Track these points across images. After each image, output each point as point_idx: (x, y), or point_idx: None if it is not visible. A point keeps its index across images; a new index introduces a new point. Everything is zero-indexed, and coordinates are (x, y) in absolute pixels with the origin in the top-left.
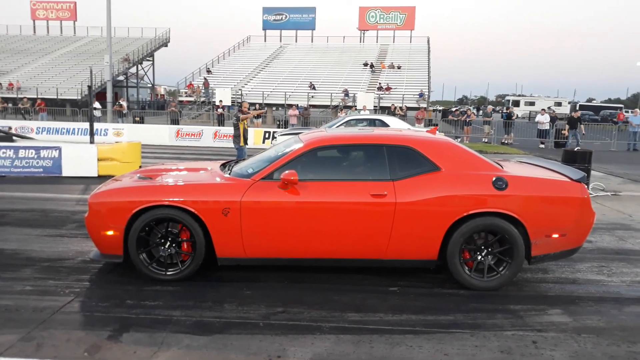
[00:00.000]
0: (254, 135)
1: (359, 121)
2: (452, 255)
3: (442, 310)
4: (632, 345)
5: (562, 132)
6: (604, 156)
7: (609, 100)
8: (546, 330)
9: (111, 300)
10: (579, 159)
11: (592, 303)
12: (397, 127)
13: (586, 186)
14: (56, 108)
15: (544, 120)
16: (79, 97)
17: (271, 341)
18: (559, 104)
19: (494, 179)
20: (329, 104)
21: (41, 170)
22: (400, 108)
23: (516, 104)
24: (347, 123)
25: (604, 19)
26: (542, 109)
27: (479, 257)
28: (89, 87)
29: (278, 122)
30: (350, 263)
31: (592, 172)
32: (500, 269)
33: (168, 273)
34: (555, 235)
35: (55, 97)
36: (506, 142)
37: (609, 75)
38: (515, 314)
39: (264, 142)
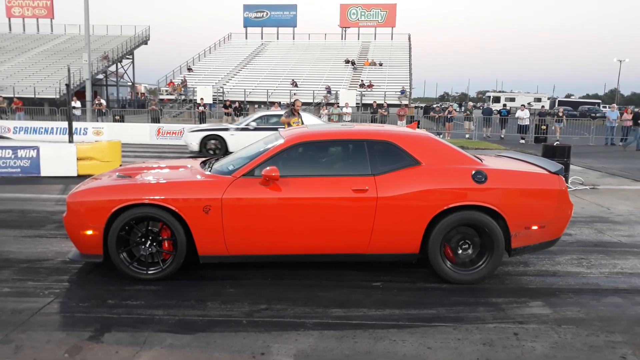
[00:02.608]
0: None
1: (269, 117)
2: (433, 249)
3: (424, 304)
4: (610, 335)
5: (542, 127)
6: (583, 151)
7: (587, 96)
8: (527, 322)
9: (92, 300)
10: (558, 154)
11: (572, 295)
12: (311, 123)
13: (564, 178)
14: (34, 107)
15: (524, 115)
16: (57, 96)
17: (255, 338)
18: (538, 100)
19: (473, 172)
20: (311, 101)
21: (19, 170)
22: (380, 105)
23: (496, 100)
24: (260, 119)
25: (583, 16)
26: (522, 105)
27: (460, 251)
28: (67, 86)
29: None
30: (333, 258)
31: (571, 167)
32: (481, 262)
33: (149, 272)
34: (535, 227)
35: (33, 96)
36: (502, 136)
37: (587, 71)
38: (496, 307)
39: None
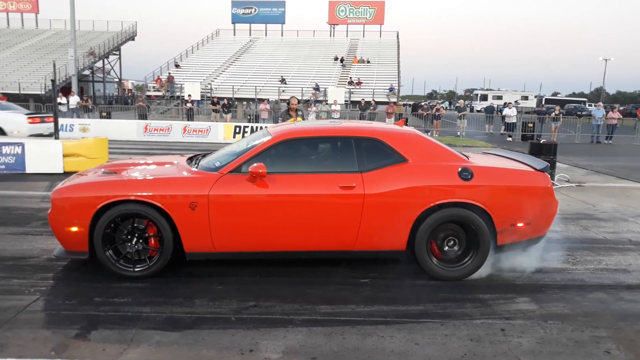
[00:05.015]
0: (224, 130)
1: None
2: (420, 246)
3: (412, 301)
4: (595, 330)
5: (529, 125)
6: (569, 148)
7: (574, 95)
8: (514, 318)
9: (78, 298)
10: (545, 151)
11: (558, 290)
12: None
13: (549, 176)
14: (19, 103)
15: (511, 113)
16: (43, 92)
17: (243, 335)
18: (525, 98)
19: (459, 169)
20: (300, 98)
21: (3, 167)
22: (368, 103)
23: (484, 97)
24: None
25: (569, 15)
26: (509, 103)
27: (446, 247)
28: (53, 82)
29: (249, 117)
30: (320, 255)
31: (558, 164)
32: (467, 259)
33: (136, 269)
34: (520, 224)
35: (18, 92)
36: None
37: (573, 70)
38: (484, 303)
39: (234, 136)
